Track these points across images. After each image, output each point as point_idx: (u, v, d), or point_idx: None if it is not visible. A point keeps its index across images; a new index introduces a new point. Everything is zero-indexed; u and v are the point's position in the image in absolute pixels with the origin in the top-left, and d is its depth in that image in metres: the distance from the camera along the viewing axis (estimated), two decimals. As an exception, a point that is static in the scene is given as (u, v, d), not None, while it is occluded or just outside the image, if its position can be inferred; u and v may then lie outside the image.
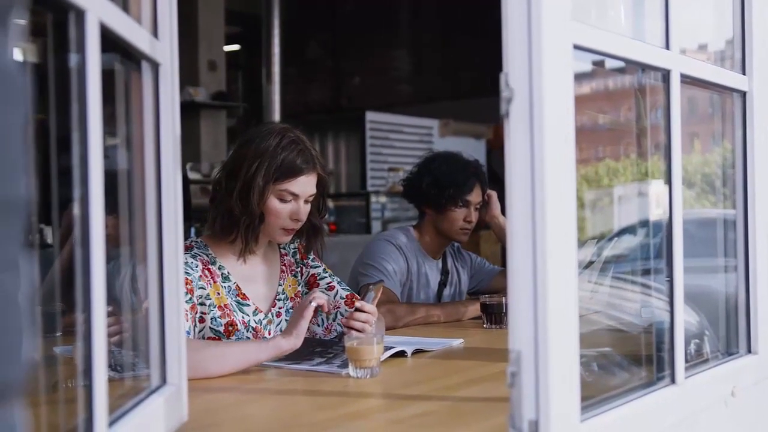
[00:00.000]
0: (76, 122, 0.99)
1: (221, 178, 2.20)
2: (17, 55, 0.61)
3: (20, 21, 0.62)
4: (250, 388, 1.79)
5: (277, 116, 8.41)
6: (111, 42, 1.11)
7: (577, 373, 1.22)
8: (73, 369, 1.46)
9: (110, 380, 1.06)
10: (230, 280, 2.20)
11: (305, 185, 2.18)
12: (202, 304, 2.11)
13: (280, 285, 2.32)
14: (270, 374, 1.95)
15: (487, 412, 1.58)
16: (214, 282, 2.17)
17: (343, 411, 1.61)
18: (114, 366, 1.31)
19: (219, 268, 2.20)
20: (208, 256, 2.20)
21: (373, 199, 7.49)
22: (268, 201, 2.16)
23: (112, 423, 1.09)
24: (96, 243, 1.00)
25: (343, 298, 2.33)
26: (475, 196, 2.99)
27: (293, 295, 2.34)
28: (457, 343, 2.34)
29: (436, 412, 1.58)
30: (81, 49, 0.99)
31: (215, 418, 1.57)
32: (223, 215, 2.18)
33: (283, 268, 2.35)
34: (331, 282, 2.37)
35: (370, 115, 8.24)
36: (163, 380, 1.37)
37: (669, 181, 1.53)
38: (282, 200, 2.17)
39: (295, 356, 1.99)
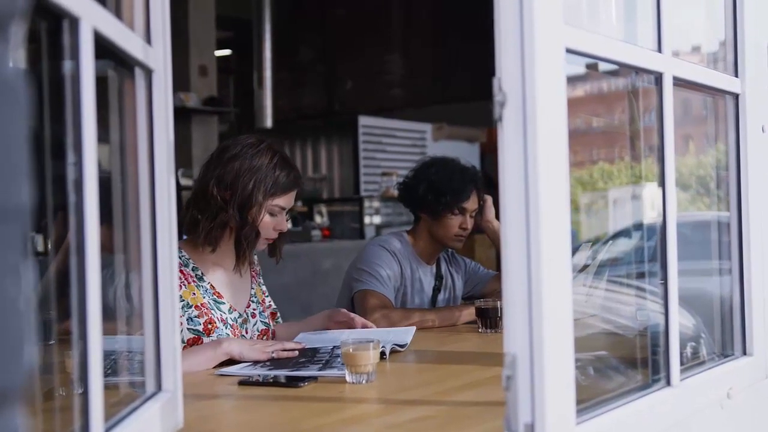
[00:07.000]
0: (70, 129, 0.99)
1: (210, 189, 2.22)
2: (17, 62, 0.62)
3: (21, 29, 0.63)
4: (245, 394, 1.78)
5: (269, 121, 8.39)
6: (103, 48, 1.11)
7: (572, 376, 1.22)
8: (65, 377, 1.46)
9: (105, 387, 1.06)
10: (205, 281, 2.27)
11: (292, 199, 2.32)
12: None
13: (252, 288, 2.43)
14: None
15: (484, 416, 1.58)
16: (189, 283, 2.23)
17: (340, 416, 1.61)
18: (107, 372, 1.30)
19: (193, 270, 2.26)
20: (180, 258, 2.24)
21: (366, 203, 7.47)
22: (264, 216, 2.24)
23: (107, 430, 1.08)
24: (91, 250, 1.00)
25: (258, 332, 2.39)
26: (471, 204, 2.98)
27: (261, 300, 2.44)
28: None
29: (434, 416, 1.58)
30: (75, 56, 0.99)
31: (210, 425, 1.56)
32: (218, 227, 2.23)
33: (254, 274, 2.46)
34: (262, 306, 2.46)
35: (363, 120, 8.23)
36: (159, 387, 1.36)
37: (662, 184, 1.53)
38: (271, 214, 2.27)
39: (291, 366, 1.98)
